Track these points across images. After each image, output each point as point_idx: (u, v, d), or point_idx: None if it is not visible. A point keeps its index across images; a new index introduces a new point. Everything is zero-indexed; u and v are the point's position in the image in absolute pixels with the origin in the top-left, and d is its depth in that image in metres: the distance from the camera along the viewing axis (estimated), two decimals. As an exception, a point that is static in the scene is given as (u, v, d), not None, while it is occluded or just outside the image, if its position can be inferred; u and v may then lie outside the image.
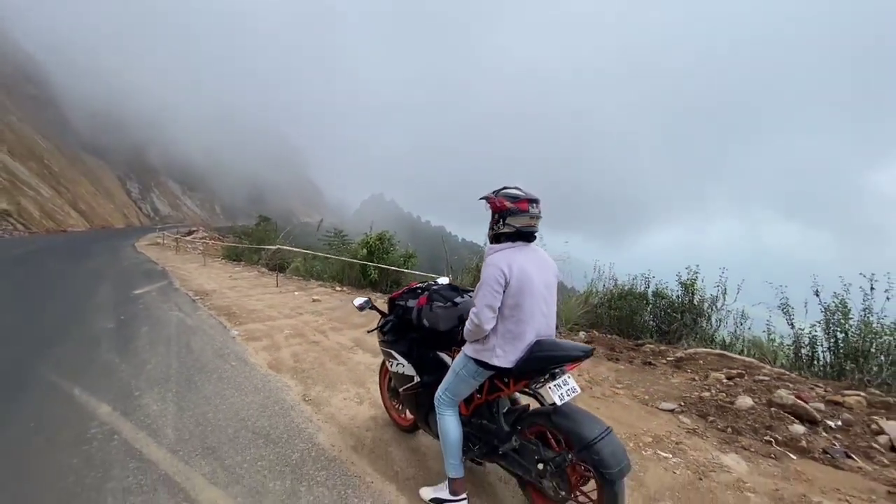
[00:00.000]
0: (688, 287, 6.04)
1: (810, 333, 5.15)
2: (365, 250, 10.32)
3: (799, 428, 3.23)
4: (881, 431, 3.20)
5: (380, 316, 3.09)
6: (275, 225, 19.47)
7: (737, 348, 5.64)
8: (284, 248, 12.84)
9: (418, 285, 3.03)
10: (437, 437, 2.48)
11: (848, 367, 4.67)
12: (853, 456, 3.00)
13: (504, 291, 2.11)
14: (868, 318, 4.72)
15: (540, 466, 2.12)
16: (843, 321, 4.82)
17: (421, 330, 2.70)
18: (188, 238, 27.27)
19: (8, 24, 55.75)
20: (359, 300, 3.03)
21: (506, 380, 2.25)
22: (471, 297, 2.67)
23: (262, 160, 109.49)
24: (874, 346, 4.66)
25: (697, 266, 6.27)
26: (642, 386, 4.26)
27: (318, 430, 3.22)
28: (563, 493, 2.10)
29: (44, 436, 3.12)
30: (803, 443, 3.10)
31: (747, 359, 4.91)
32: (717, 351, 5.11)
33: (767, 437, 3.19)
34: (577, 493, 2.12)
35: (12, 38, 55.39)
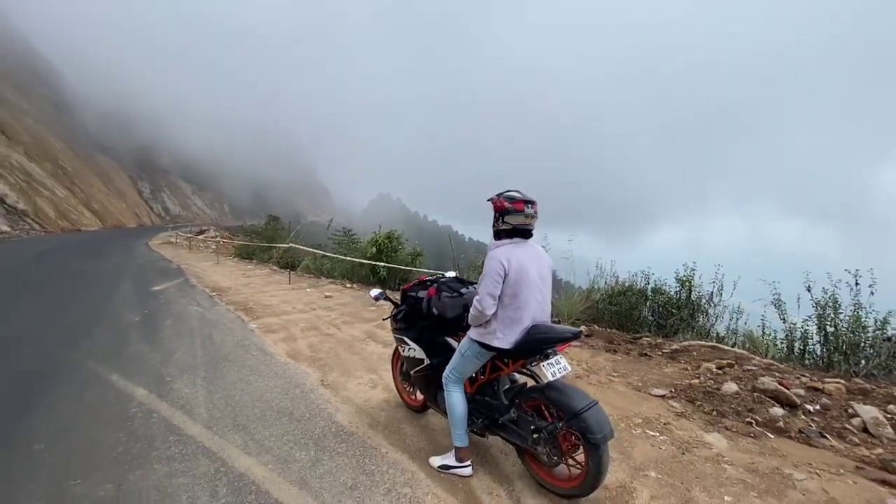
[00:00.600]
0: (684, 283, 6.29)
1: (802, 328, 5.40)
2: (374, 249, 10.65)
3: (778, 411, 3.50)
4: (856, 414, 3.46)
5: (393, 306, 3.41)
6: (287, 224, 19.87)
7: (730, 342, 5.89)
8: (296, 246, 13.19)
9: (428, 278, 3.35)
10: (445, 414, 2.79)
11: (836, 360, 4.91)
12: (827, 436, 3.26)
13: (503, 282, 2.41)
14: (858, 312, 4.97)
15: (535, 435, 2.42)
16: (833, 316, 5.06)
17: (430, 318, 3.02)
18: (200, 237, 27.79)
19: (24, 28, 56.78)
20: (374, 291, 3.36)
21: (505, 360, 2.56)
22: (475, 288, 2.97)
23: (270, 160, 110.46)
24: (862, 340, 4.92)
25: (694, 263, 6.52)
26: (637, 375, 4.53)
27: (336, 411, 3.54)
28: (556, 458, 2.40)
29: (90, 415, 3.45)
30: (781, 423, 3.37)
31: (739, 351, 5.17)
32: (711, 343, 5.37)
33: (748, 419, 3.47)
34: (568, 459, 2.42)
35: (28, 41, 56.38)
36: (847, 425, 3.37)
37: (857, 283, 4.93)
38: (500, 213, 2.51)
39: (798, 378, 4.23)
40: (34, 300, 8.12)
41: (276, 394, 3.85)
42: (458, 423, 2.62)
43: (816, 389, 3.88)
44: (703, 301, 6.35)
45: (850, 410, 3.53)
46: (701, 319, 6.38)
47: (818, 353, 5.24)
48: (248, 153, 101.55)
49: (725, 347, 5.25)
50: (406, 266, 9.89)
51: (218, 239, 24.22)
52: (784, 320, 5.51)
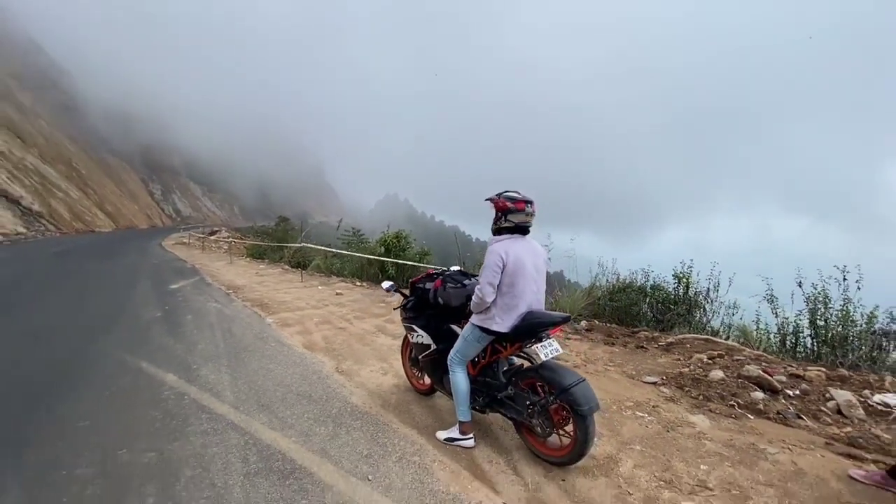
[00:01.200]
0: (681, 280, 6.56)
1: (795, 322, 5.64)
2: (383, 248, 10.98)
3: (759, 395, 3.77)
4: (832, 398, 3.73)
5: (402, 297, 3.73)
6: (299, 224, 20.30)
7: (725, 335, 6.14)
8: (309, 245, 13.56)
9: (434, 271, 3.66)
10: (450, 395, 3.10)
11: (824, 352, 5.16)
12: (803, 417, 3.53)
13: (502, 272, 2.72)
14: (846, 307, 5.21)
15: (530, 409, 2.73)
16: (823, 310, 5.31)
17: (436, 307, 3.33)
18: (212, 238, 28.33)
19: (35, 31, 57.83)
20: (386, 283, 3.69)
21: (503, 343, 2.87)
22: (476, 279, 3.28)
23: (278, 161, 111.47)
24: (850, 333, 5.16)
25: (691, 261, 6.77)
26: (632, 364, 4.81)
27: (350, 394, 3.86)
28: (548, 429, 2.70)
29: (126, 396, 3.79)
30: (761, 406, 3.64)
31: (731, 343, 5.43)
32: (704, 337, 5.64)
33: (731, 402, 3.74)
34: (559, 430, 2.72)
35: (39, 44, 57.43)
36: (822, 408, 3.64)
37: (844, 279, 5.17)
38: (504, 212, 2.82)
39: (783, 367, 4.49)
40: (59, 297, 8.52)
41: (295, 379, 4.17)
42: (461, 400, 2.92)
43: (798, 376, 4.14)
44: (700, 297, 6.61)
45: (827, 395, 3.79)
46: (698, 315, 6.64)
47: (808, 345, 5.49)
48: (256, 154, 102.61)
49: (718, 340, 5.52)
50: (414, 264, 10.21)
51: (230, 239, 24.70)
52: (776, 315, 5.76)
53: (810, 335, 5.44)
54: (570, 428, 2.66)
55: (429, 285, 3.44)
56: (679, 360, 4.92)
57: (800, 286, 5.52)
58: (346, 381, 4.15)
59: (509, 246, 2.77)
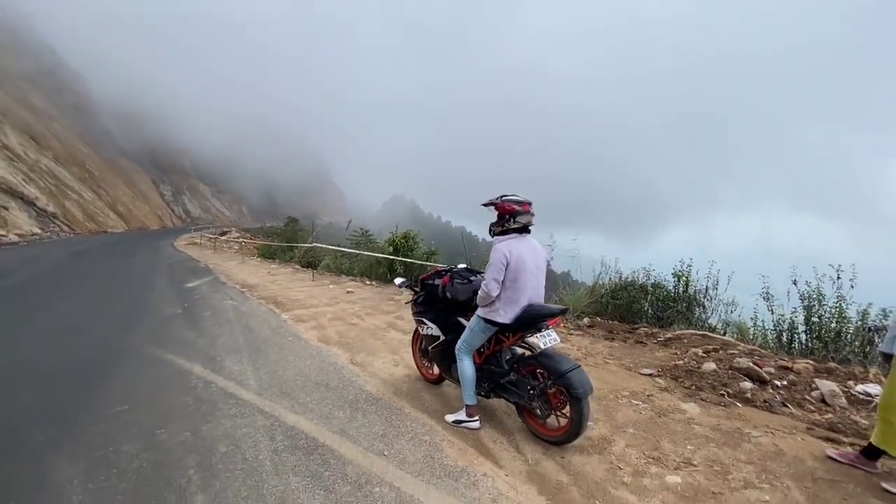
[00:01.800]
0: (680, 278, 6.79)
1: (790, 318, 5.86)
2: (391, 248, 11.28)
3: (748, 384, 4.02)
4: (817, 388, 3.96)
5: (413, 293, 4.01)
6: (311, 226, 20.69)
7: (722, 332, 6.36)
8: (320, 246, 13.88)
9: (443, 268, 3.94)
10: (457, 382, 3.38)
11: (816, 347, 5.38)
12: (788, 405, 3.77)
13: (506, 269, 2.99)
14: (840, 304, 5.43)
15: (530, 392, 3.00)
16: (817, 307, 5.53)
17: (445, 301, 3.61)
18: (223, 238, 28.80)
19: (48, 34, 58.77)
20: (398, 280, 4.00)
21: (506, 333, 3.13)
22: (481, 276, 3.55)
23: (286, 163, 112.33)
24: (843, 329, 5.37)
25: (691, 259, 7.00)
26: (630, 358, 5.06)
27: (365, 382, 4.14)
28: (547, 411, 2.97)
29: (158, 385, 4.10)
30: (749, 395, 3.89)
31: (726, 338, 5.66)
32: (701, 332, 5.86)
33: (721, 392, 3.98)
34: (557, 413, 2.98)
35: (52, 46, 58.36)
36: (807, 397, 3.88)
37: (838, 277, 5.39)
38: (512, 214, 3.10)
39: (774, 360, 4.72)
40: (83, 295, 8.89)
41: (313, 370, 4.47)
42: (468, 386, 3.20)
43: (786, 368, 4.38)
44: (700, 295, 6.84)
45: (812, 385, 4.03)
46: (697, 312, 6.86)
47: (803, 341, 5.71)
48: (264, 155, 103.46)
49: (714, 335, 5.74)
50: (423, 263, 10.49)
51: (240, 240, 25.13)
52: (772, 312, 5.97)
53: (805, 331, 5.67)
54: (566, 410, 2.92)
55: (438, 281, 3.72)
56: (676, 354, 5.16)
57: (794, 284, 5.73)
58: (360, 372, 4.44)
59: (513, 245, 3.04)
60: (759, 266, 6.39)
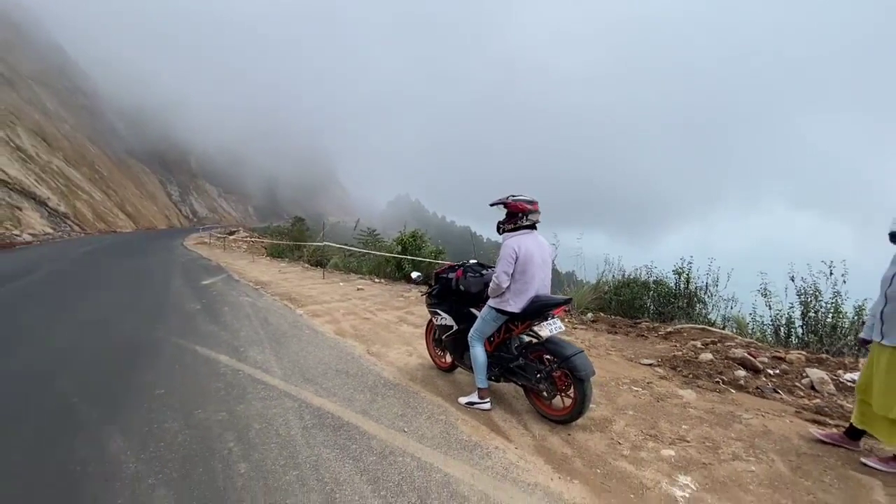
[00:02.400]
0: (680, 275, 7.04)
1: (788, 313, 6.10)
2: (400, 247, 11.58)
3: (742, 373, 4.27)
4: (807, 377, 4.21)
5: (428, 286, 4.30)
6: (322, 225, 21.07)
7: (721, 326, 6.61)
8: (331, 244, 14.19)
9: (455, 263, 4.23)
10: (470, 369, 3.66)
11: (811, 340, 5.62)
12: (779, 391, 4.03)
13: (515, 262, 3.27)
14: (836, 300, 5.67)
15: (538, 375, 3.27)
16: (814, 303, 5.77)
17: (457, 293, 3.90)
18: (231, 237, 29.21)
19: (58, 35, 59.45)
20: (415, 273, 4.29)
21: (515, 322, 3.41)
22: (491, 270, 3.83)
23: (291, 163, 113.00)
24: (838, 324, 5.61)
25: (691, 257, 7.25)
26: (631, 350, 5.32)
27: (382, 370, 4.43)
28: (553, 392, 3.25)
29: (189, 371, 4.39)
30: (743, 382, 4.14)
31: (725, 332, 5.91)
32: (700, 326, 6.12)
33: (717, 379, 4.24)
34: (562, 394, 3.26)
35: (61, 47, 59.05)
36: (798, 384, 4.13)
37: (831, 273, 5.64)
38: (524, 213, 3.39)
39: (769, 352, 4.97)
40: (104, 292, 9.22)
41: (332, 359, 4.76)
42: (480, 370, 3.48)
43: (779, 359, 4.63)
44: (700, 291, 7.09)
45: (803, 374, 4.28)
46: (698, 308, 7.11)
47: (800, 335, 5.95)
48: (269, 155, 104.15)
49: (713, 329, 6.00)
50: (430, 261, 10.78)
51: (248, 239, 25.50)
52: (770, 307, 6.22)
53: (801, 326, 5.91)
54: (571, 392, 3.19)
55: (451, 275, 4.01)
56: (675, 346, 5.42)
57: (792, 280, 5.98)
58: (376, 361, 4.73)
59: (521, 241, 3.32)
60: (762, 264, 6.62)
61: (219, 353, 4.94)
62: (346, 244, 15.12)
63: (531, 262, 3.28)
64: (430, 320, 4.39)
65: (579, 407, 3.11)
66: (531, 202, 3.40)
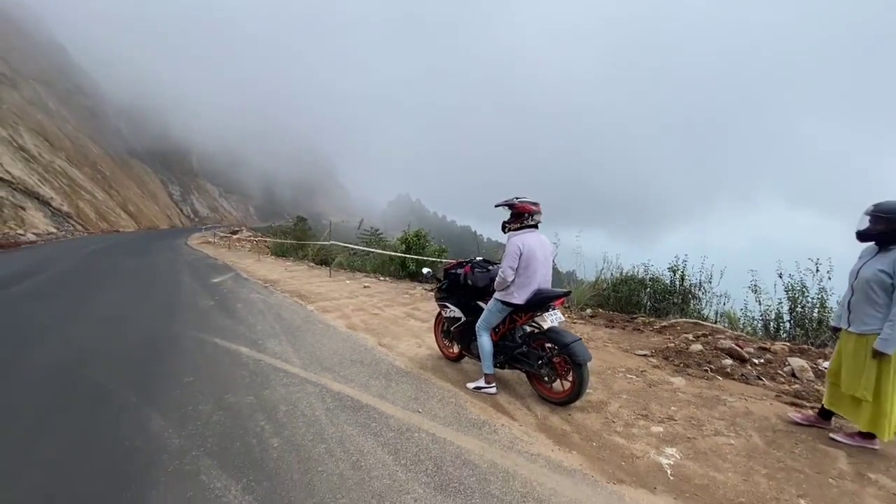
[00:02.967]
0: (675, 272, 7.37)
1: (776, 308, 6.41)
2: (404, 246, 11.90)
3: (728, 361, 4.60)
4: (789, 365, 4.53)
5: (437, 281, 4.62)
6: (326, 224, 21.38)
7: (713, 321, 6.93)
8: (337, 244, 14.49)
9: (464, 260, 4.55)
10: (477, 358, 3.98)
11: (797, 334, 5.95)
12: (762, 378, 4.35)
13: (519, 258, 3.59)
14: (822, 295, 5.99)
15: (539, 361, 3.59)
16: (800, 298, 6.09)
17: (465, 287, 4.22)
18: (234, 237, 29.52)
19: (60, 35, 59.68)
20: (426, 269, 4.61)
21: (519, 314, 3.73)
22: (497, 266, 4.16)
23: (291, 163, 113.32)
24: (824, 318, 5.93)
25: (686, 255, 7.57)
26: (627, 342, 5.65)
27: (394, 360, 4.76)
28: (553, 377, 3.58)
29: (214, 361, 4.71)
30: (729, 370, 4.47)
31: (716, 326, 6.23)
32: (693, 320, 6.44)
33: (705, 368, 4.56)
34: (562, 378, 3.58)
35: (64, 48, 59.30)
36: (780, 372, 4.46)
37: (817, 270, 5.95)
38: (529, 213, 3.71)
39: (755, 343, 5.29)
40: (115, 290, 9.51)
41: (347, 350, 5.08)
42: (486, 357, 3.80)
43: (765, 349, 4.96)
44: (694, 288, 7.41)
45: (785, 363, 4.61)
46: (692, 304, 7.44)
47: (787, 329, 6.27)
48: (269, 156, 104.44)
49: (705, 323, 6.32)
50: (434, 260, 11.10)
51: (252, 238, 25.81)
52: (759, 303, 6.54)
53: (789, 320, 6.23)
54: (570, 376, 3.51)
55: (460, 270, 4.33)
56: (669, 339, 5.74)
57: (780, 277, 6.30)
58: (388, 352, 5.05)
59: (525, 238, 3.65)
60: (757, 263, 6.92)
61: (239, 346, 5.25)
62: (350, 243, 15.44)
63: (534, 259, 3.61)
64: (439, 313, 4.71)
65: (577, 389, 3.42)
66: (535, 203, 3.72)
